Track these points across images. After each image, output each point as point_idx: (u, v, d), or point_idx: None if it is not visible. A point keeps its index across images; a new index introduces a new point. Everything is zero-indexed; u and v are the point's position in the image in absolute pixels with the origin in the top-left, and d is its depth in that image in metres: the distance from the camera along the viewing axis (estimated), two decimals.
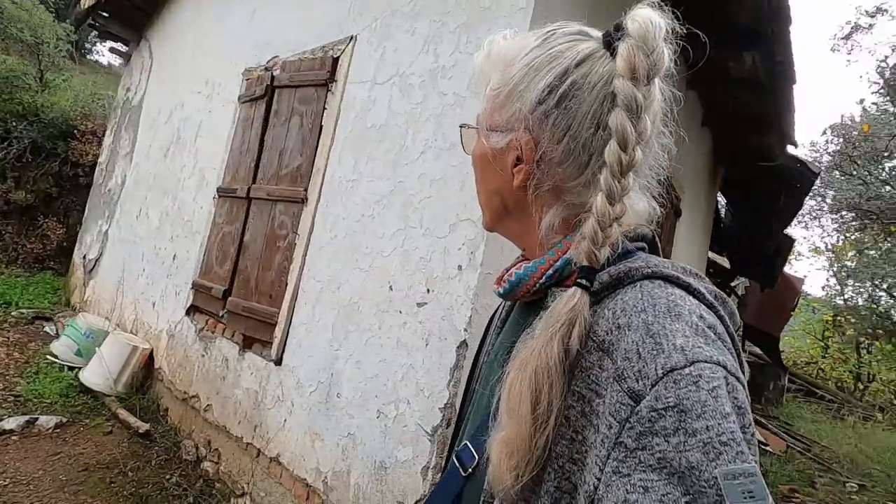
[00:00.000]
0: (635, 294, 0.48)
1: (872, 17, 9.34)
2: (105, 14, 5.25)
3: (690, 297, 0.48)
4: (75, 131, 6.45)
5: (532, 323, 0.56)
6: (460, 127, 0.67)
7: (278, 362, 2.43)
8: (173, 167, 3.94)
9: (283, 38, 3.08)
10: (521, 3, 1.85)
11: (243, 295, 2.70)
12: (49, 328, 4.41)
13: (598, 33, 0.55)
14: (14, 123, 6.27)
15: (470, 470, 0.59)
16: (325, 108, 2.56)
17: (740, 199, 5.52)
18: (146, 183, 4.33)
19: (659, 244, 0.61)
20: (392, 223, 2.08)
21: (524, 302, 0.64)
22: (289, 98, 2.76)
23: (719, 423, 0.38)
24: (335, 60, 2.58)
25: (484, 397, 0.63)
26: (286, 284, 2.48)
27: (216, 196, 3.26)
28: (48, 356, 3.63)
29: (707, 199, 4.73)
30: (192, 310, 3.22)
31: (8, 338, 3.98)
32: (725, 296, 0.51)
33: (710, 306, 0.48)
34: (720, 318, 0.48)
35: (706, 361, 0.41)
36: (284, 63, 2.88)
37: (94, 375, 3.24)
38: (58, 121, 6.43)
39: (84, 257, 5.11)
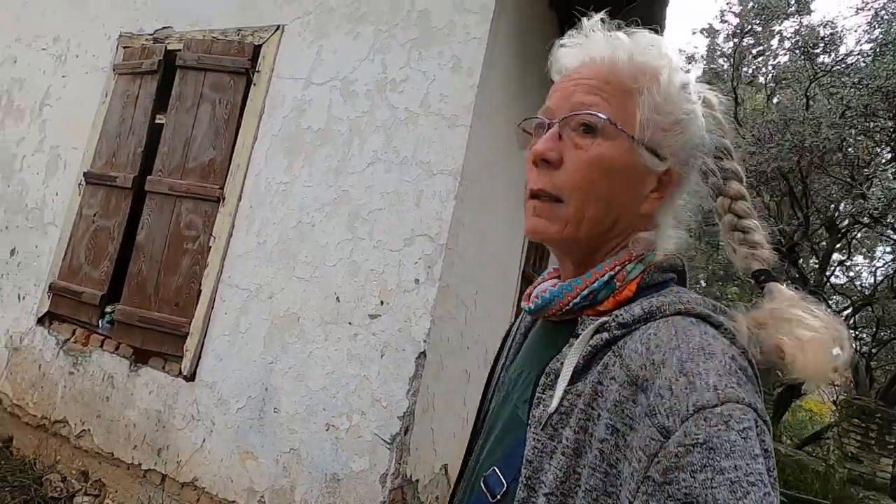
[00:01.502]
0: (669, 330, 0.48)
1: None
2: None
3: (722, 338, 0.48)
4: None
5: (562, 349, 0.56)
6: (583, 111, 0.55)
7: (191, 377, 2.20)
8: (5, 139, 3.16)
9: (180, 7, 2.70)
10: (475, 33, 1.97)
11: (137, 303, 2.35)
12: None
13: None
14: None
15: (499, 497, 0.56)
16: (245, 100, 2.35)
17: None
18: None
19: (687, 275, 0.62)
20: (337, 233, 2.04)
21: (551, 321, 0.62)
22: (196, 81, 2.45)
23: (748, 464, 0.39)
24: (257, 48, 2.38)
25: (509, 415, 0.61)
26: (199, 292, 2.25)
27: (83, 182, 2.73)
28: None
29: None
30: (48, 318, 2.68)
31: None
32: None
33: (741, 350, 0.49)
34: (749, 361, 0.48)
35: (738, 402, 0.41)
36: (189, 40, 2.54)
37: None
38: None
39: None
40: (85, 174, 2.73)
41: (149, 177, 2.47)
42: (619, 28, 0.58)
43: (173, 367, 2.26)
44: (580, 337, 0.53)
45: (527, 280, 3.35)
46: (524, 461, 0.51)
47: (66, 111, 2.97)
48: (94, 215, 2.65)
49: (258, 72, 2.36)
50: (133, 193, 2.57)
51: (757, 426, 0.41)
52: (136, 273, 2.40)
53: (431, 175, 1.93)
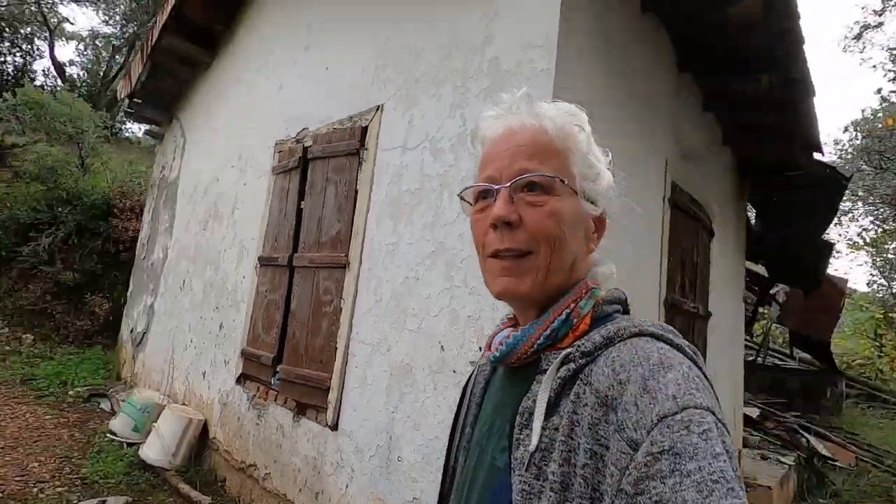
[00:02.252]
0: (630, 350, 0.52)
1: (881, 14, 9.31)
2: (138, 101, 5.62)
3: (676, 352, 0.52)
4: (115, 210, 6.82)
5: (530, 387, 0.57)
6: (531, 174, 0.61)
7: (335, 427, 2.46)
8: (213, 239, 4.12)
9: (310, 111, 3.26)
10: (542, 65, 1.94)
11: (294, 362, 2.77)
12: (105, 405, 4.55)
13: None
14: (60, 209, 6.68)
15: None
16: (358, 175, 2.68)
17: (771, 209, 5.43)
18: (187, 255, 4.53)
19: (629, 305, 0.66)
20: (437, 283, 2.13)
21: (511, 368, 0.65)
22: (322, 169, 2.90)
23: (710, 463, 0.41)
24: (364, 129, 2.71)
25: (487, 468, 0.61)
26: (335, 349, 2.54)
27: (258, 265, 3.39)
28: (108, 434, 3.74)
29: (737, 213, 4.68)
30: (242, 378, 3.30)
31: (68, 418, 4.12)
32: (697, 351, 0.55)
33: (691, 359, 0.52)
34: (700, 368, 0.52)
35: (696, 407, 0.44)
36: (316, 135, 3.04)
37: (154, 451, 3.32)
38: (98, 202, 6.82)
39: (132, 331, 5.30)
40: (259, 258, 3.38)
41: (295, 254, 2.94)
42: (530, 99, 0.64)
43: (322, 418, 2.56)
44: (548, 372, 0.55)
45: (673, 307, 2.97)
46: None
47: (246, 210, 3.76)
48: (266, 291, 3.24)
49: (366, 149, 2.67)
50: (289, 270, 3.07)
51: (717, 427, 0.44)
52: (291, 337, 2.83)
53: None
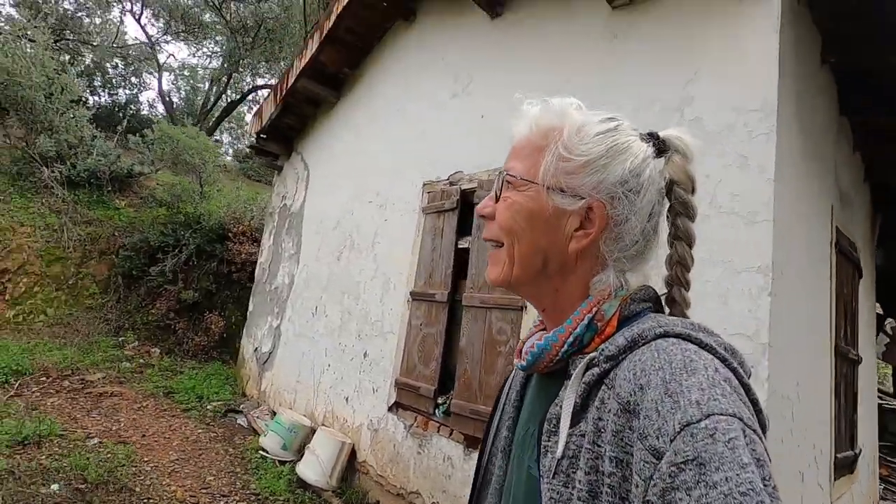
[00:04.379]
0: (652, 353, 0.50)
1: None
2: (264, 136, 6.10)
3: (704, 352, 0.50)
4: (229, 234, 7.36)
5: (558, 393, 0.57)
6: (504, 173, 0.65)
7: None
8: (350, 270, 4.39)
9: (462, 155, 3.46)
10: (761, 129, 2.02)
11: (466, 397, 2.92)
12: (241, 420, 4.89)
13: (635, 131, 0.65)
14: (182, 232, 7.28)
15: None
16: None
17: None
18: (318, 283, 4.84)
19: (662, 301, 0.65)
20: None
21: (543, 375, 0.65)
22: None
23: (737, 475, 0.39)
24: None
25: (525, 477, 0.61)
26: None
27: (409, 299, 3.59)
28: (259, 450, 4.03)
29: (871, 250, 4.51)
30: (396, 406, 3.49)
31: (216, 433, 4.46)
32: (735, 348, 0.54)
33: (722, 360, 0.50)
34: (733, 370, 0.49)
35: (721, 414, 0.42)
36: (476, 179, 3.23)
37: (312, 471, 3.55)
38: (215, 226, 7.38)
39: (256, 350, 5.68)
40: (410, 293, 3.59)
41: (464, 293, 3.11)
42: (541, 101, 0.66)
43: None
44: (573, 376, 0.55)
45: (840, 355, 2.91)
46: None
47: (389, 245, 3.99)
48: (420, 325, 3.43)
49: None
50: (447, 306, 3.25)
51: (745, 435, 0.42)
52: (462, 373, 2.98)
53: (736, 273, 1.97)
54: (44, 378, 5.00)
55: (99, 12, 11.31)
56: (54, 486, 2.92)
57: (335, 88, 5.35)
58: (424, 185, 3.76)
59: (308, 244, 5.25)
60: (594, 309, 0.59)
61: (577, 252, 0.61)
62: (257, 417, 4.77)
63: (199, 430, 4.43)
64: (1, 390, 4.48)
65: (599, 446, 0.49)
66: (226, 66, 12.00)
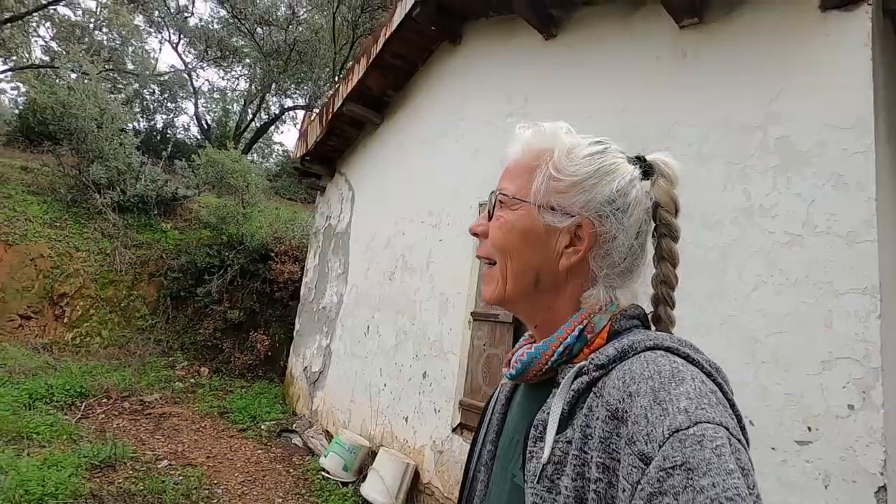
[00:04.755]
0: (641, 363, 0.51)
1: None
2: (307, 158, 6.24)
3: (691, 365, 0.51)
4: (271, 253, 7.51)
5: (546, 400, 0.58)
6: (496, 193, 0.68)
7: None
8: (404, 289, 4.43)
9: None
10: (856, 147, 1.98)
11: None
12: (296, 440, 4.94)
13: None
14: (226, 253, 7.47)
15: None
16: None
17: None
18: (368, 303, 4.89)
19: (649, 319, 0.66)
20: (733, 357, 2.18)
21: (531, 385, 0.66)
22: None
23: (724, 480, 0.40)
24: None
25: (509, 486, 0.62)
26: None
27: (470, 319, 3.60)
28: (321, 471, 4.06)
29: None
30: (460, 428, 3.49)
31: (275, 453, 4.52)
32: (720, 367, 0.55)
33: (708, 374, 0.52)
34: (719, 385, 0.51)
35: (708, 422, 0.44)
36: None
37: (377, 493, 3.56)
38: (257, 246, 7.54)
39: (305, 370, 5.75)
40: (472, 313, 3.60)
41: None
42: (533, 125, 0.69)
43: None
44: (562, 384, 0.56)
45: None
46: None
47: (445, 265, 4.02)
48: (484, 345, 3.44)
49: None
50: (513, 326, 3.25)
51: (730, 443, 0.43)
52: None
53: (838, 295, 1.93)
54: (105, 399, 5.15)
55: (139, 44, 11.81)
56: None
57: (378, 110, 5.45)
58: (481, 205, 3.79)
59: (356, 264, 5.32)
60: (585, 321, 0.61)
61: (568, 268, 0.63)
62: (311, 437, 4.82)
63: (259, 451, 4.49)
64: (70, 413, 4.63)
65: (586, 452, 0.50)
66: (258, 88, 12.35)
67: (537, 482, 0.52)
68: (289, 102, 13.34)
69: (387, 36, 4.61)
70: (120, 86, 12.19)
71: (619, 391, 0.50)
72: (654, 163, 0.66)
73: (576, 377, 0.55)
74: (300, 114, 13.54)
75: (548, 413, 0.56)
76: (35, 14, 11.97)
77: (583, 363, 0.56)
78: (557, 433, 0.53)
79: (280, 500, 3.56)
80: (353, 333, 5.03)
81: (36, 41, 13.34)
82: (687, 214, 2.34)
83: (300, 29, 10.67)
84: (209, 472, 3.79)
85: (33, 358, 5.67)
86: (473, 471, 0.73)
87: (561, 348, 0.60)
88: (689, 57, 2.67)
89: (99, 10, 12.95)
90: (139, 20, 12.34)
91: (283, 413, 5.66)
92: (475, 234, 0.71)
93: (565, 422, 0.53)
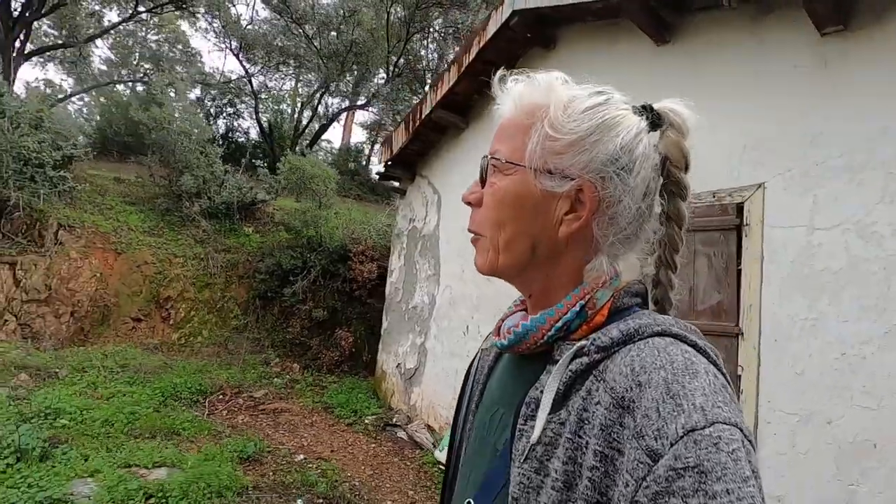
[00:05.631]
0: (651, 350, 0.48)
1: None
2: (390, 162, 6.46)
3: (701, 356, 0.48)
4: (350, 254, 7.83)
5: (540, 377, 0.55)
6: (488, 157, 0.62)
7: None
8: (509, 290, 4.57)
9: None
10: None
11: None
12: (401, 434, 5.24)
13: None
14: (308, 255, 7.84)
15: None
16: (740, 250, 2.88)
17: None
18: (466, 304, 5.09)
19: (650, 299, 0.62)
20: (893, 364, 2.24)
21: (520, 356, 0.62)
22: (688, 241, 3.15)
23: (739, 487, 0.38)
24: (739, 206, 2.92)
25: (487, 450, 0.60)
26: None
27: None
28: (438, 465, 4.32)
29: None
30: None
31: (387, 447, 4.82)
32: (717, 352, 0.52)
33: (714, 364, 0.49)
34: (724, 376, 0.48)
35: (725, 423, 0.41)
36: None
37: None
38: (337, 247, 7.88)
39: (399, 366, 6.04)
40: None
41: None
42: (522, 76, 0.62)
43: None
44: (559, 363, 0.53)
45: None
46: (510, 499, 0.50)
47: None
48: None
49: (748, 225, 2.88)
50: None
51: (744, 446, 0.41)
52: None
53: None
54: (222, 396, 5.58)
55: (210, 56, 12.26)
56: (299, 502, 3.31)
57: (463, 115, 5.59)
58: None
59: (448, 265, 5.52)
60: (587, 296, 0.56)
61: (568, 236, 0.58)
62: (416, 431, 5.09)
63: (372, 445, 4.80)
64: (197, 409, 5.06)
65: (581, 437, 0.47)
66: (317, 92, 12.71)
67: (524, 461, 0.50)
68: (344, 103, 13.68)
69: (480, 45, 4.73)
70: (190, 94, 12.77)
71: (626, 378, 0.47)
72: (662, 112, 0.59)
73: (574, 357, 0.52)
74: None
75: (541, 391, 0.53)
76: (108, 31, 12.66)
77: (583, 342, 0.52)
78: (550, 413, 0.50)
79: (412, 492, 3.82)
80: (450, 333, 5.25)
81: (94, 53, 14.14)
82: (840, 226, 2.38)
83: (358, 31, 10.90)
84: (339, 466, 4.10)
85: (150, 358, 6.18)
86: (460, 441, 0.71)
87: (559, 324, 0.56)
88: (830, 65, 2.68)
89: (150, 18, 13.59)
90: (193, 29, 12.83)
91: (380, 408, 5.97)
92: (468, 203, 0.65)
93: (559, 402, 0.51)
